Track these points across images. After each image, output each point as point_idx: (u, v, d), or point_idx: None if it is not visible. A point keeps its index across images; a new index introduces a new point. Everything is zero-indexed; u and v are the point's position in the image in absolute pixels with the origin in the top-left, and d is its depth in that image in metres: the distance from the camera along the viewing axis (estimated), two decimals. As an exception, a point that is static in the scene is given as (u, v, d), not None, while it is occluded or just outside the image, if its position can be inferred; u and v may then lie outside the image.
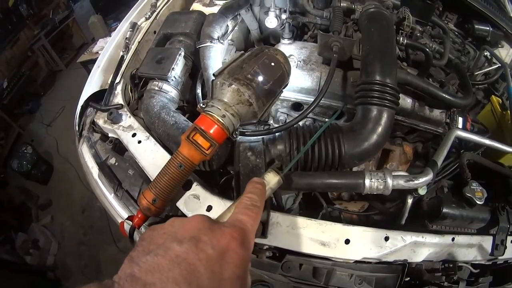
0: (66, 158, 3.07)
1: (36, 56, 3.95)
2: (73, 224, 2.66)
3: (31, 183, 3.05)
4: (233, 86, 0.61)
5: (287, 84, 0.72)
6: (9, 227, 2.65)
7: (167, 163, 0.66)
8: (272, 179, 0.64)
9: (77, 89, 1.29)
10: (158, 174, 0.67)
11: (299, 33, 1.20)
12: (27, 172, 2.96)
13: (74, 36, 4.30)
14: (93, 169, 1.09)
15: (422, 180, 0.79)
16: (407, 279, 0.92)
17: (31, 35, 3.86)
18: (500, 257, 1.01)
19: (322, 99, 0.87)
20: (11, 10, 3.70)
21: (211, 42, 1.02)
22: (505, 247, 1.00)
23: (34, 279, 2.31)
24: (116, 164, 1.05)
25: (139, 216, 0.70)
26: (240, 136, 0.81)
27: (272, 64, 0.67)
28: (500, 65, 1.47)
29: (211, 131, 0.60)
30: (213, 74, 0.65)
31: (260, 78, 0.64)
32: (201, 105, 0.63)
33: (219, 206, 0.77)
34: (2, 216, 2.75)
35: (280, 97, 0.97)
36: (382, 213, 1.03)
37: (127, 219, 0.74)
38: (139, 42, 1.33)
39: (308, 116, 0.96)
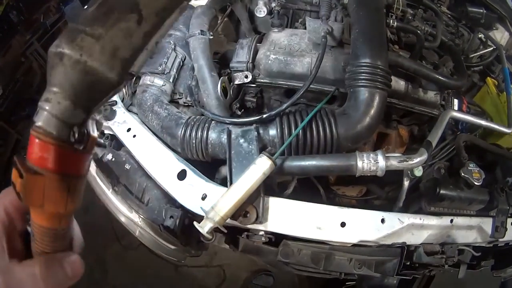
0: (65, 161, 3.07)
1: (29, 61, 3.92)
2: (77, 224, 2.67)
3: (32, 188, 3.06)
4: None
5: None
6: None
7: None
8: (264, 164, 0.64)
9: (72, 91, 1.29)
10: None
11: (290, 21, 1.19)
12: (28, 178, 2.97)
13: (67, 39, 4.29)
14: (91, 166, 1.10)
15: (416, 160, 0.78)
16: (407, 262, 0.92)
17: (23, 41, 3.82)
18: (500, 239, 1.01)
19: (314, 84, 0.87)
20: (1, 18, 3.68)
21: (200, 33, 1.01)
22: (506, 229, 1.00)
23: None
24: (113, 159, 1.06)
25: None
26: (232, 124, 0.81)
27: None
28: (495, 47, 1.46)
29: (29, 153, 0.33)
30: None
31: (85, 7, 0.34)
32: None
33: (213, 194, 0.77)
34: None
35: (272, 85, 0.98)
36: (381, 197, 1.03)
37: None
38: (130, 38, 1.32)
39: (301, 102, 0.97)
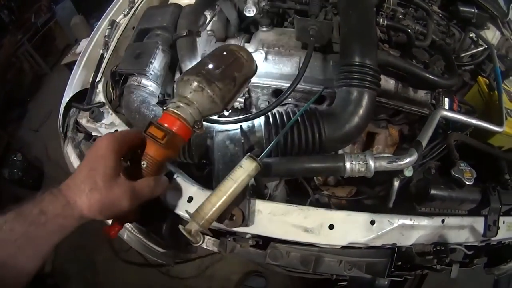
0: (56, 162, 3.02)
1: (20, 62, 3.86)
2: (68, 228, 2.63)
3: (24, 190, 3.01)
4: (184, 78, 0.64)
5: (253, 71, 0.73)
6: (5, 237, 2.61)
7: None
8: (249, 165, 0.63)
9: (63, 92, 1.27)
10: None
11: (279, 20, 1.18)
12: (19, 180, 2.91)
13: (57, 38, 4.20)
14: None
15: (406, 161, 0.77)
16: (398, 263, 0.91)
17: (14, 41, 3.76)
18: (493, 238, 1.00)
19: (303, 84, 0.86)
20: (-8, 17, 3.62)
21: (186, 34, 0.99)
22: (498, 228, 0.99)
23: (33, 287, 2.28)
24: (100, 162, 1.04)
25: (114, 225, 0.70)
26: (218, 126, 0.79)
27: (224, 53, 0.70)
28: (486, 46, 1.46)
29: (165, 122, 0.62)
30: (175, 80, 0.67)
31: (211, 66, 0.66)
32: (164, 106, 0.66)
33: (199, 196, 0.76)
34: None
35: (260, 85, 0.97)
36: (371, 197, 1.02)
37: (105, 230, 0.73)
38: (118, 39, 1.31)
39: (289, 102, 0.95)
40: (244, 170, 0.63)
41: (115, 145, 0.56)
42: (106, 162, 0.55)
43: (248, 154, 0.64)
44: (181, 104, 0.62)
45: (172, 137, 0.61)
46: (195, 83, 0.62)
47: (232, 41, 1.03)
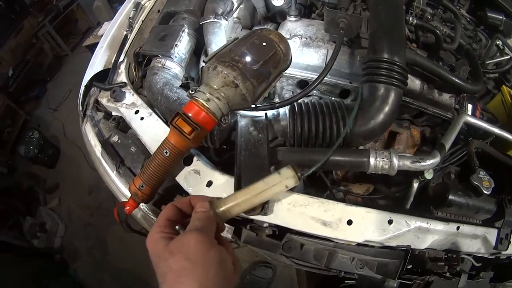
0: (73, 141, 3.06)
1: (41, 43, 3.92)
2: (80, 205, 2.65)
3: (39, 167, 3.06)
4: (218, 68, 0.60)
5: (287, 66, 0.70)
6: (18, 212, 2.67)
7: (156, 149, 0.67)
8: (288, 175, 0.57)
9: (83, 72, 1.28)
10: (147, 160, 0.68)
11: (306, 12, 1.17)
12: (35, 157, 2.96)
13: (79, 21, 4.25)
14: (96, 148, 1.09)
15: (429, 162, 0.76)
16: (410, 266, 0.90)
17: (35, 23, 3.81)
18: (503, 252, 0.98)
19: (329, 77, 0.85)
20: (14, -1, 3.68)
21: (214, 18, 0.99)
22: (509, 242, 0.97)
23: (41, 262, 2.33)
24: (119, 141, 1.05)
25: (129, 202, 0.71)
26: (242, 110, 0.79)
27: (264, 44, 0.65)
28: None
29: (194, 115, 0.59)
30: (203, 61, 0.65)
31: (248, 59, 0.62)
32: (190, 91, 0.63)
33: (219, 181, 0.75)
34: (11, 202, 2.77)
35: (285, 75, 0.96)
36: (387, 197, 1.01)
37: (120, 205, 0.75)
38: (142, 21, 1.31)
39: (314, 94, 0.94)
40: (281, 178, 0.57)
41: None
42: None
43: (289, 165, 0.58)
44: (211, 97, 0.60)
45: (199, 132, 0.60)
46: (230, 78, 0.59)
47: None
